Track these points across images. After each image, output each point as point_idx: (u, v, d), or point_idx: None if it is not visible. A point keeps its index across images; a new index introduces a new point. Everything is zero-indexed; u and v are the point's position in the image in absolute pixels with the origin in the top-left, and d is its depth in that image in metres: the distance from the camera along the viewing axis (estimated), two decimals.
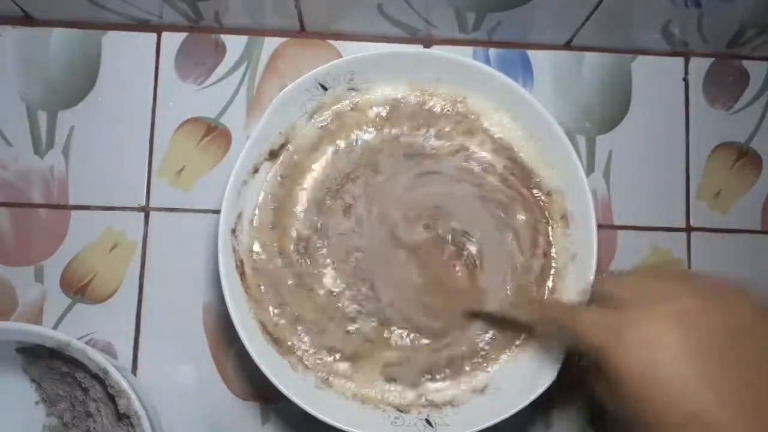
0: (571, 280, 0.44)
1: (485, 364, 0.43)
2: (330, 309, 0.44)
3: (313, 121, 0.45)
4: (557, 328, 0.38)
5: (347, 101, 0.45)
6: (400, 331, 0.44)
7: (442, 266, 0.45)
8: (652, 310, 0.32)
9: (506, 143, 0.46)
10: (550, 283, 0.45)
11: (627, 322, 0.32)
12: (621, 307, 0.33)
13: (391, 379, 0.43)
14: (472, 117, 0.46)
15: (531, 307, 0.43)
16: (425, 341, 0.44)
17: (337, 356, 0.43)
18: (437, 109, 0.46)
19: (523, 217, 0.45)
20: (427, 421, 0.42)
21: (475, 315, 0.44)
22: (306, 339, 0.43)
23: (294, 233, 0.45)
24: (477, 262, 0.45)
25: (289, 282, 0.44)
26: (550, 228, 0.45)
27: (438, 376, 0.43)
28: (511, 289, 0.44)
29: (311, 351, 0.43)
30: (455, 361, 0.43)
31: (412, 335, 0.44)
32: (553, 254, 0.45)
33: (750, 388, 0.29)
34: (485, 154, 0.46)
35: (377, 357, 0.43)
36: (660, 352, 0.30)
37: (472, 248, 0.45)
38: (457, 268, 0.45)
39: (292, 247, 0.44)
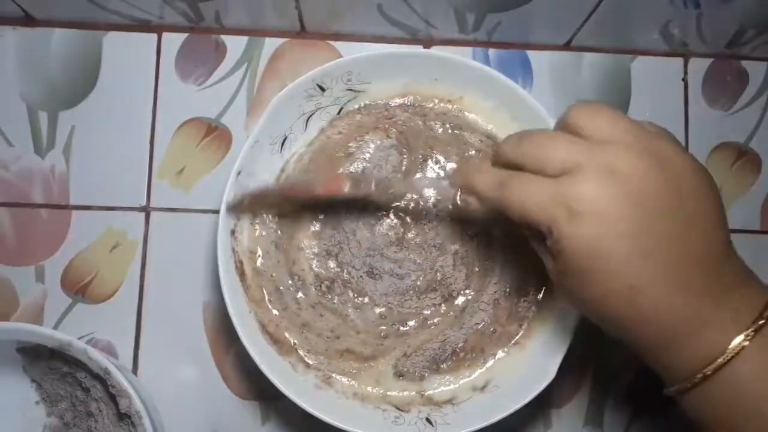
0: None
1: (483, 360, 0.44)
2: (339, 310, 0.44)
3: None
4: (486, 203, 0.36)
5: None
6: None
7: None
8: (600, 182, 0.31)
9: None
10: None
11: (571, 190, 0.31)
12: (565, 175, 0.31)
13: (399, 375, 0.43)
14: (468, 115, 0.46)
15: (457, 175, 0.40)
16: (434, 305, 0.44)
17: (351, 358, 0.43)
18: (439, 131, 0.46)
19: None
20: (428, 420, 0.42)
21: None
22: (314, 341, 0.43)
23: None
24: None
25: (289, 282, 0.44)
26: None
27: (443, 366, 0.43)
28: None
29: (319, 353, 0.43)
30: (457, 352, 0.44)
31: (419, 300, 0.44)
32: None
33: (679, 254, 0.31)
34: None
35: (391, 353, 0.43)
36: (609, 227, 0.31)
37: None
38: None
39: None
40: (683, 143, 0.51)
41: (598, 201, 0.31)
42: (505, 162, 0.34)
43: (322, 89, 0.45)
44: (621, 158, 0.31)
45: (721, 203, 0.33)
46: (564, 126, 0.34)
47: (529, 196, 0.32)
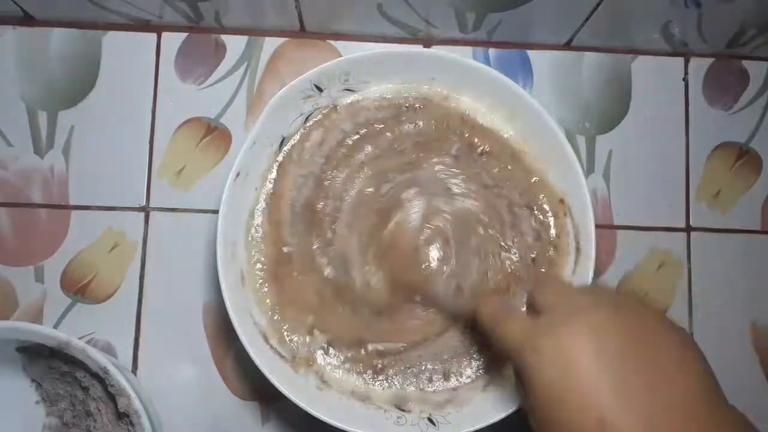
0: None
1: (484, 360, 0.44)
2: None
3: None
4: (484, 328, 0.38)
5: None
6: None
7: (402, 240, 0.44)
8: (568, 320, 0.32)
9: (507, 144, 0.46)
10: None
11: (543, 330, 0.33)
12: (540, 314, 0.35)
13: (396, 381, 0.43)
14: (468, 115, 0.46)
15: (466, 300, 0.43)
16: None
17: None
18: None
19: (517, 210, 0.45)
20: (430, 419, 0.42)
21: (416, 294, 0.44)
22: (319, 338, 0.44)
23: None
24: (444, 240, 0.44)
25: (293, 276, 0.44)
26: (548, 226, 0.45)
27: (438, 378, 0.43)
28: (473, 276, 0.44)
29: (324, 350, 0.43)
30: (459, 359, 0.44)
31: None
32: (551, 254, 0.45)
33: (652, 393, 0.30)
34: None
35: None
36: (572, 360, 0.31)
37: (443, 225, 0.44)
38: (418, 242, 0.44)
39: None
40: (683, 143, 0.51)
41: (561, 333, 0.32)
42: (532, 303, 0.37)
43: (320, 89, 0.44)
44: (591, 304, 0.33)
45: (699, 353, 0.32)
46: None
47: (509, 332, 0.35)
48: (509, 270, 0.44)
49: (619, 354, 0.31)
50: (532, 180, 0.45)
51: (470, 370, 0.44)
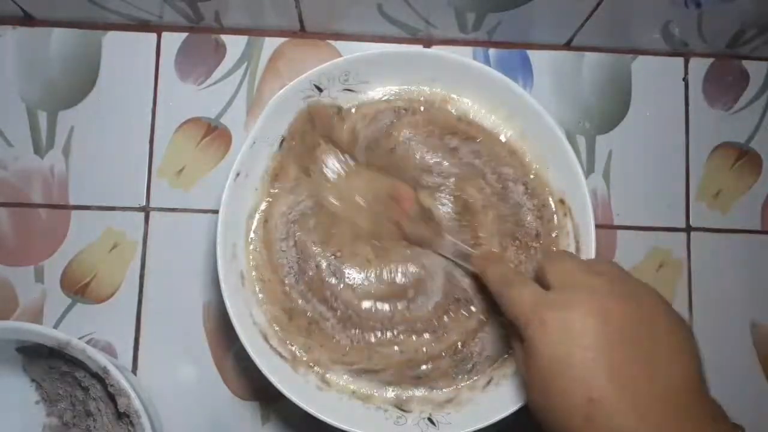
0: None
1: (486, 365, 0.44)
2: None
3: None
4: (492, 289, 0.38)
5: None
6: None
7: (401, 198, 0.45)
8: (577, 300, 0.33)
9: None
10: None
11: (552, 305, 0.34)
12: (551, 289, 0.35)
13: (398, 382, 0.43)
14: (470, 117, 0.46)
15: (477, 259, 0.42)
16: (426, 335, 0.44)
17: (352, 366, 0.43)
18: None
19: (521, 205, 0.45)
20: (430, 419, 0.42)
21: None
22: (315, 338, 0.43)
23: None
24: (454, 197, 0.45)
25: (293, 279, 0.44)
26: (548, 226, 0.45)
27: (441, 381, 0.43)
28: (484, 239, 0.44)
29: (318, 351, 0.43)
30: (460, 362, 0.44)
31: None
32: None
33: (644, 381, 0.31)
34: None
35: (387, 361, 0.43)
36: (574, 339, 0.32)
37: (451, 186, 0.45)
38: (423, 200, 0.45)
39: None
40: (683, 143, 0.51)
41: (569, 311, 0.33)
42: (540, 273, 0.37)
43: (320, 89, 0.44)
44: (605, 284, 0.34)
45: (693, 342, 0.34)
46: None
47: (519, 297, 0.35)
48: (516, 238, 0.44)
49: (621, 341, 0.32)
50: (531, 176, 0.45)
51: (470, 370, 0.44)
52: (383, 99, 0.46)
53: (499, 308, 0.37)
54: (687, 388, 0.32)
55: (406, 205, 0.44)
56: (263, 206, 0.44)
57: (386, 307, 0.44)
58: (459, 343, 0.43)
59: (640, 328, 0.33)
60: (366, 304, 0.44)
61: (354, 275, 0.44)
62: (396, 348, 0.43)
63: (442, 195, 0.45)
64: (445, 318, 0.44)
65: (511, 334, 0.38)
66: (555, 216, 0.45)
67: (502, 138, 0.45)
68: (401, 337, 0.43)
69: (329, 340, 0.43)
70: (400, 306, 0.44)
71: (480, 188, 0.45)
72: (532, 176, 0.45)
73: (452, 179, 0.45)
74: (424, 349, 0.43)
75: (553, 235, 0.45)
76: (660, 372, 0.32)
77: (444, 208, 0.45)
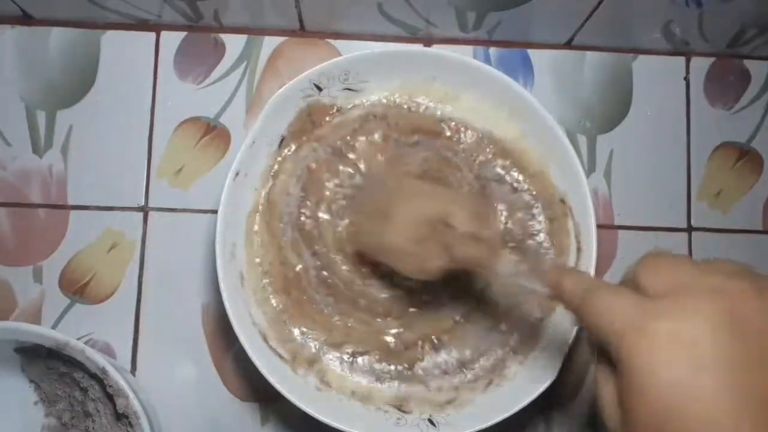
0: None
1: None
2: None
3: None
4: (569, 307, 0.31)
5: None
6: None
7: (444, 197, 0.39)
8: (691, 304, 0.25)
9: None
10: None
11: (657, 312, 0.26)
12: (650, 295, 0.27)
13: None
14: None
15: (551, 273, 0.33)
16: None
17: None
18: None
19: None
20: (430, 420, 0.42)
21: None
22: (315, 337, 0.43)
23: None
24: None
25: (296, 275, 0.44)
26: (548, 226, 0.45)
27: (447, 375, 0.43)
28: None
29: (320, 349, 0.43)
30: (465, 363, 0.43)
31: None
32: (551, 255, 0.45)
33: None
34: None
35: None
36: (697, 358, 0.24)
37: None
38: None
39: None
40: (684, 143, 0.51)
41: (686, 320, 0.25)
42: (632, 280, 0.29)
43: (319, 89, 0.44)
44: (731, 283, 0.26)
45: None
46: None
47: (608, 306, 0.27)
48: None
49: (746, 354, 0.25)
50: (531, 177, 0.45)
51: (471, 370, 0.43)
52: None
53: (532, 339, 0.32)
54: None
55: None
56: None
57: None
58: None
59: (764, 330, 0.25)
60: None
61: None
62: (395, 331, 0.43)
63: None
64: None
65: (597, 362, 0.29)
66: (555, 216, 0.45)
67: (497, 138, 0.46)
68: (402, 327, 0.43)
69: (329, 322, 0.43)
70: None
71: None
72: (532, 177, 0.45)
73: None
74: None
75: (555, 233, 0.45)
76: None
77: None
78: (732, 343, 0.24)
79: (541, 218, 0.45)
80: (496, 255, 0.36)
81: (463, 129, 0.46)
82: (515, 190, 0.45)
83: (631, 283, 0.28)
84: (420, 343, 0.43)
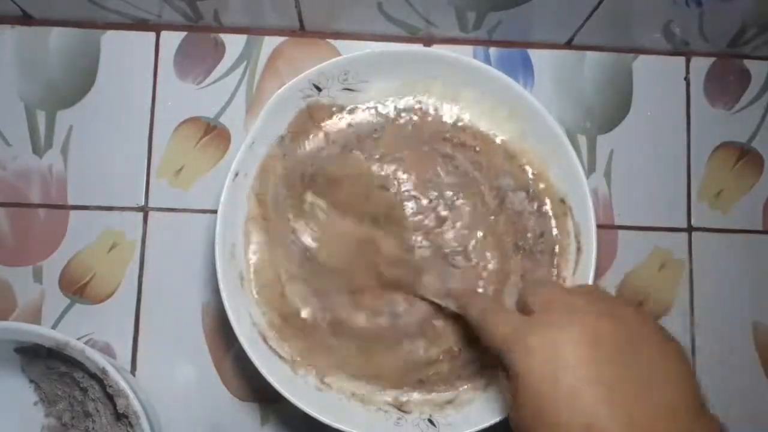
0: (570, 282, 0.44)
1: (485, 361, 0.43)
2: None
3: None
4: (472, 325, 0.38)
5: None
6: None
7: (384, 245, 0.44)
8: (561, 322, 0.32)
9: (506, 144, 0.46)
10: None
11: (536, 329, 0.33)
12: (532, 314, 0.34)
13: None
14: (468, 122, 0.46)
15: (457, 294, 0.42)
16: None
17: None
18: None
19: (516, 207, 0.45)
20: (430, 420, 0.42)
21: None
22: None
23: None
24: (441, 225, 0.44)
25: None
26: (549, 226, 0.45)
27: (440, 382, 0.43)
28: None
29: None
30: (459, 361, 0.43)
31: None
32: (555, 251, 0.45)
33: (639, 402, 0.30)
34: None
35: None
36: (559, 360, 0.31)
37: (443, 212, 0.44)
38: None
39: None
40: (685, 143, 0.51)
41: (551, 331, 0.32)
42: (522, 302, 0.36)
43: (319, 89, 0.44)
44: (586, 307, 0.33)
45: (686, 359, 0.33)
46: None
47: (498, 326, 0.35)
48: (498, 266, 0.44)
49: (611, 361, 0.31)
50: (531, 179, 0.45)
51: (471, 371, 0.43)
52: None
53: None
54: (685, 407, 0.31)
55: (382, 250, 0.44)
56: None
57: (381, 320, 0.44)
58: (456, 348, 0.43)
59: (628, 346, 0.32)
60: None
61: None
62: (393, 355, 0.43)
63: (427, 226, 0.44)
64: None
65: (496, 368, 0.36)
66: (555, 216, 0.45)
67: (498, 141, 0.45)
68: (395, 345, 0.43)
69: (324, 347, 0.43)
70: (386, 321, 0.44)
71: (475, 206, 0.44)
72: (532, 179, 0.45)
73: (448, 194, 0.44)
74: (421, 352, 0.43)
75: (555, 234, 0.44)
76: (655, 392, 0.31)
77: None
78: (592, 349, 0.31)
79: (541, 219, 0.45)
80: (419, 277, 0.43)
81: (476, 135, 0.45)
82: (528, 195, 0.45)
83: (521, 299, 0.36)
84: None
